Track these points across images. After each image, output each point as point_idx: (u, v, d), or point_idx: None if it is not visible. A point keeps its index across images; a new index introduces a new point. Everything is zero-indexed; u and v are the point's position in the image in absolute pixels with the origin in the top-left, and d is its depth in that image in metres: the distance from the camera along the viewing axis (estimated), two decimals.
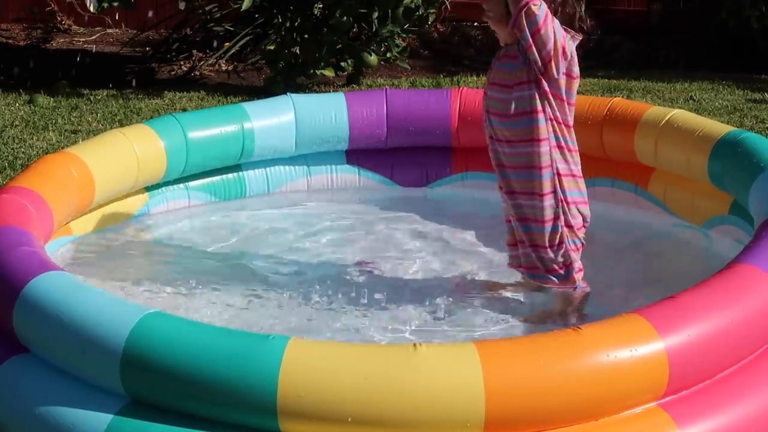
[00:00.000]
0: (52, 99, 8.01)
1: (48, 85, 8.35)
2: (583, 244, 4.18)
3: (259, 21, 8.92)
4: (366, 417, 2.84)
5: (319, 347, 3.01)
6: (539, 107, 3.99)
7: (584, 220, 4.17)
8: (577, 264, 4.16)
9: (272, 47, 8.33)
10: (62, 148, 6.03)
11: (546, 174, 4.05)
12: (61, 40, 10.25)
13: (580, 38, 4.04)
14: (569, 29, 4.01)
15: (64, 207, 4.40)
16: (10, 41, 10.11)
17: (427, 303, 4.28)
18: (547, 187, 4.06)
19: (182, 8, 8.66)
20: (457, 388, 2.85)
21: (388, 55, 8.55)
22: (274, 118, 5.43)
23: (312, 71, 8.30)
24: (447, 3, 9.58)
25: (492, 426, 2.87)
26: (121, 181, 4.90)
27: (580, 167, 4.15)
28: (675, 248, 4.99)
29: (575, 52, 4.01)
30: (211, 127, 5.25)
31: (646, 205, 5.24)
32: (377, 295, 4.34)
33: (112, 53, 9.82)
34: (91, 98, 8.11)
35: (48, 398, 3.09)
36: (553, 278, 4.16)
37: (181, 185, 5.36)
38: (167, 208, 5.34)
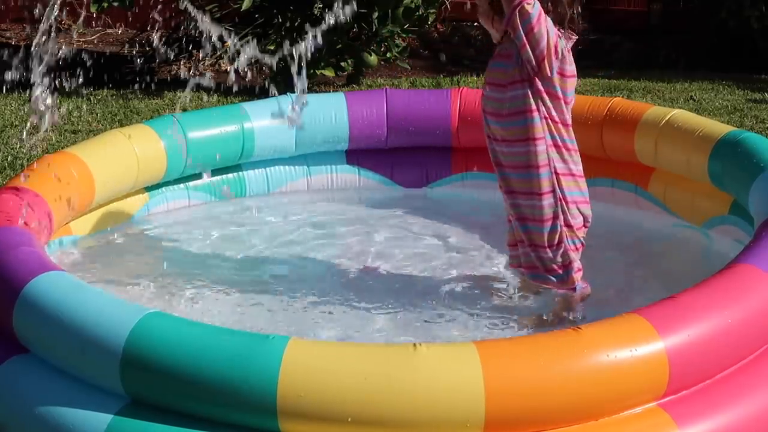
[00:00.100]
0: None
1: (48, 85, 8.34)
2: (583, 244, 4.17)
3: (259, 21, 8.92)
4: (366, 417, 2.84)
5: (319, 347, 3.01)
6: (533, 106, 4.00)
7: (585, 220, 4.17)
8: (576, 264, 4.16)
9: (272, 47, 8.32)
10: (62, 148, 6.03)
11: (544, 173, 4.05)
12: (61, 40, 10.25)
13: (575, 38, 4.05)
14: (561, 29, 4.01)
15: (64, 207, 4.40)
16: (10, 41, 10.11)
17: (427, 303, 4.28)
18: (545, 186, 4.06)
19: (182, 8, 8.65)
20: (457, 388, 2.85)
21: (388, 55, 8.55)
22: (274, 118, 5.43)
23: (312, 71, 8.30)
24: (447, 3, 9.58)
25: (492, 426, 2.87)
26: (121, 181, 4.90)
27: (580, 167, 4.14)
28: (675, 248, 4.99)
29: (569, 51, 4.01)
30: (211, 127, 5.25)
31: (646, 205, 5.24)
32: (377, 296, 4.34)
33: (112, 53, 9.82)
34: (91, 98, 8.11)
35: (48, 398, 3.09)
36: (553, 278, 4.16)
37: (181, 185, 5.36)
38: (167, 208, 5.34)
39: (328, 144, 5.57)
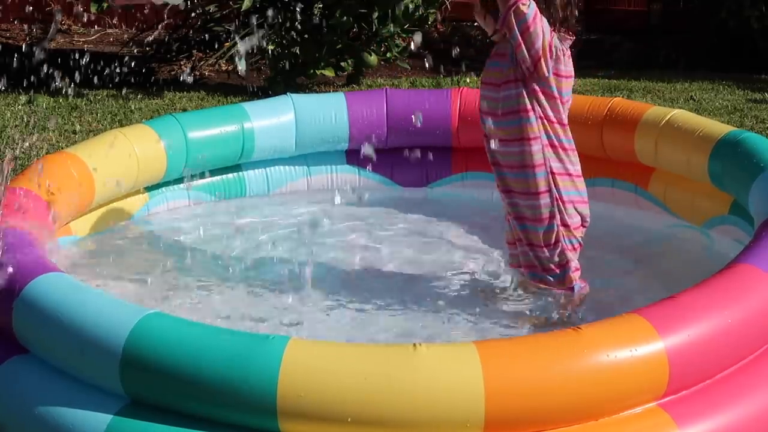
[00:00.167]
0: (51, 99, 8.01)
1: (48, 85, 8.34)
2: (581, 244, 4.17)
3: (259, 21, 8.91)
4: (366, 417, 2.84)
5: (319, 347, 3.01)
6: (528, 106, 4.00)
7: (583, 219, 4.17)
8: (574, 264, 4.16)
9: (272, 47, 8.32)
10: (62, 148, 6.03)
11: (540, 173, 4.06)
12: (61, 40, 10.25)
13: (572, 39, 4.05)
14: (556, 29, 4.01)
15: (64, 207, 4.40)
16: (10, 41, 10.11)
17: (427, 303, 4.28)
18: (541, 185, 4.07)
19: (182, 8, 8.66)
20: (457, 388, 2.85)
21: (388, 55, 8.55)
22: (274, 118, 5.43)
23: (312, 71, 8.30)
24: (447, 3, 9.58)
25: (492, 426, 2.87)
26: (121, 182, 4.89)
27: (578, 167, 4.14)
28: (675, 248, 4.99)
29: (566, 51, 4.01)
30: (211, 127, 5.25)
31: (646, 205, 5.24)
32: (377, 295, 4.34)
33: (112, 53, 9.82)
34: (91, 98, 8.11)
35: (48, 398, 3.08)
36: (550, 278, 4.17)
37: (182, 185, 5.36)
38: (167, 208, 5.34)
39: (328, 144, 5.56)
